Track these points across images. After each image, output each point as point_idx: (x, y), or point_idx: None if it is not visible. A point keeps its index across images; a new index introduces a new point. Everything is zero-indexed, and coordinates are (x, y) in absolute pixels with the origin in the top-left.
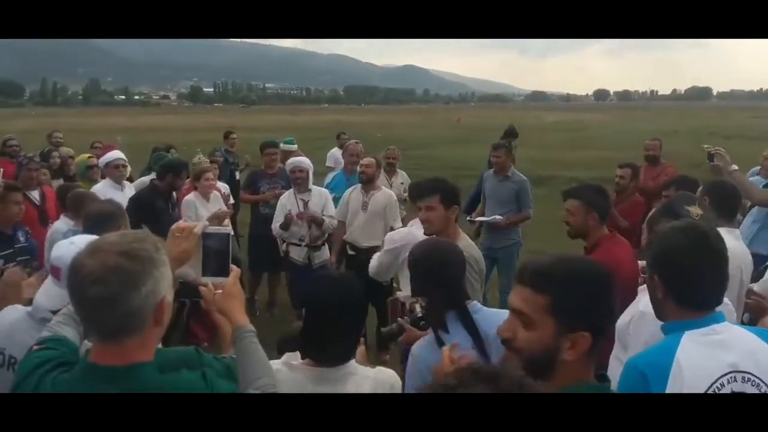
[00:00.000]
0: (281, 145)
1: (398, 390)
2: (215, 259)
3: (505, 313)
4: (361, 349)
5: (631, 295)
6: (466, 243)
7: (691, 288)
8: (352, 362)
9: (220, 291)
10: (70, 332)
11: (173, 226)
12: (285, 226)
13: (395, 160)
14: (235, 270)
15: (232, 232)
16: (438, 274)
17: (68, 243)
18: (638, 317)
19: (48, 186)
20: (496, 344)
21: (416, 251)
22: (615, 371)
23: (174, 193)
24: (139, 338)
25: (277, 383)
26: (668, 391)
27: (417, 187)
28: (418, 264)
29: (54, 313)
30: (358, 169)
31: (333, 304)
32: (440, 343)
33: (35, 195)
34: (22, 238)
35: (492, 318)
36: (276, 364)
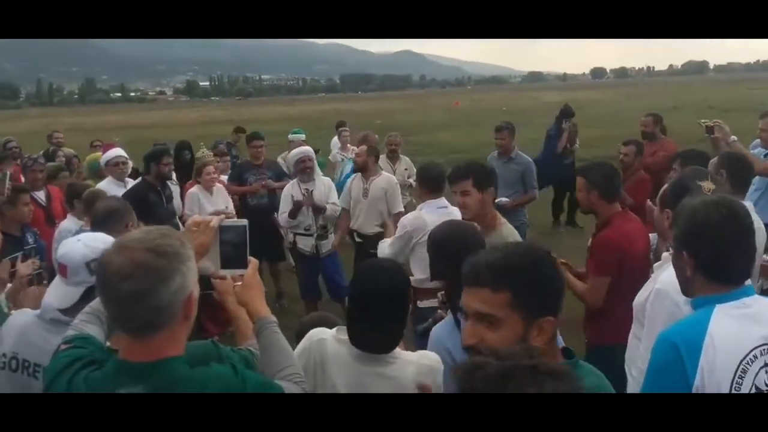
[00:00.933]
0: (289, 136)
1: (439, 374)
2: (233, 251)
3: None
4: None
5: (645, 272)
6: (507, 230)
7: (723, 263)
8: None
9: (240, 283)
10: (96, 330)
11: (189, 221)
12: (293, 213)
13: (397, 146)
14: (253, 261)
15: (247, 223)
16: (457, 257)
17: (74, 240)
18: (655, 295)
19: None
20: None
21: (436, 233)
22: (633, 350)
23: (168, 185)
24: (168, 333)
25: (323, 354)
26: (701, 363)
27: (451, 173)
28: (438, 246)
29: (63, 312)
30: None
31: (380, 294)
32: (459, 325)
33: (41, 195)
34: (31, 240)
35: None
36: (324, 333)
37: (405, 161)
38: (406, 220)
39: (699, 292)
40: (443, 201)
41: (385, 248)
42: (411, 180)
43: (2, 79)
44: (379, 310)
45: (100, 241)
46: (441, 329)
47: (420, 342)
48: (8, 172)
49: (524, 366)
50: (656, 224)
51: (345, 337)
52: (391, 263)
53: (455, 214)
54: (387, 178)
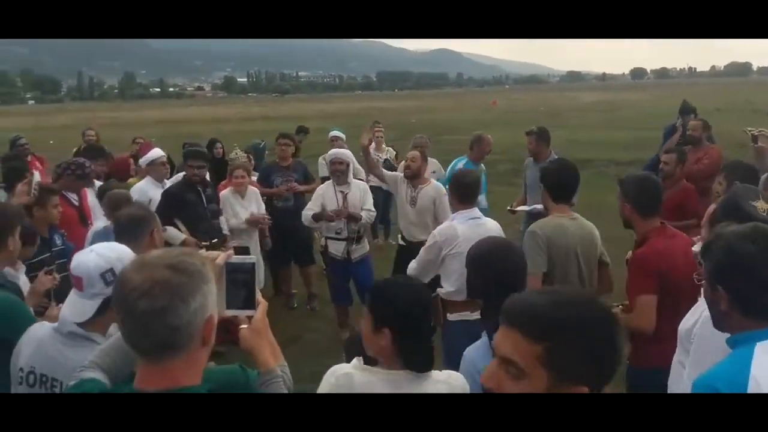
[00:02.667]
0: (331, 133)
1: (467, 392)
2: (240, 291)
3: None
4: None
5: (690, 292)
6: (435, 187)
7: (760, 299)
8: None
9: (246, 326)
10: (99, 375)
11: None
12: (317, 217)
13: (425, 148)
14: (262, 303)
15: (255, 260)
16: (495, 276)
17: (87, 251)
18: (705, 321)
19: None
20: None
21: (475, 250)
22: (676, 376)
23: (208, 185)
24: (185, 358)
25: (350, 388)
26: None
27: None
28: (476, 264)
29: (80, 325)
30: (402, 163)
31: (418, 313)
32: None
33: (73, 195)
34: (58, 241)
35: None
36: (346, 367)
37: (433, 164)
38: (437, 230)
39: (735, 329)
40: (476, 211)
41: (411, 264)
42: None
43: (44, 72)
44: (420, 329)
45: (113, 250)
46: (475, 351)
47: (449, 360)
48: (36, 173)
49: None
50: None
51: (366, 366)
52: (408, 280)
53: (488, 225)
54: (436, 186)
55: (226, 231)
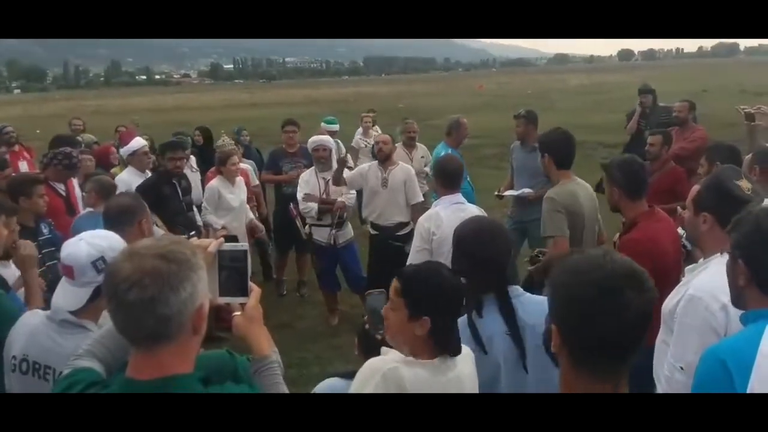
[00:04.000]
0: (322, 125)
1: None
2: (233, 278)
3: (540, 301)
4: None
5: (674, 274)
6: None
7: None
8: None
9: (239, 313)
10: (94, 364)
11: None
12: (322, 213)
13: (414, 133)
14: (255, 290)
15: (247, 247)
16: (480, 255)
17: (77, 240)
18: (688, 301)
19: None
20: (532, 333)
21: (461, 230)
22: (661, 355)
23: (186, 176)
24: (177, 346)
25: (399, 384)
26: (751, 381)
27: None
28: (461, 243)
29: (73, 313)
30: (375, 146)
31: (452, 295)
32: (471, 326)
33: (60, 185)
34: (45, 231)
35: (530, 305)
36: (388, 361)
37: (421, 149)
38: (422, 217)
39: (751, 305)
40: (459, 197)
41: (414, 254)
42: (427, 168)
43: (31, 61)
44: (455, 310)
45: (103, 238)
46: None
47: None
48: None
49: None
50: (689, 228)
51: (408, 356)
52: (432, 263)
53: (471, 210)
54: (405, 168)
55: (200, 223)
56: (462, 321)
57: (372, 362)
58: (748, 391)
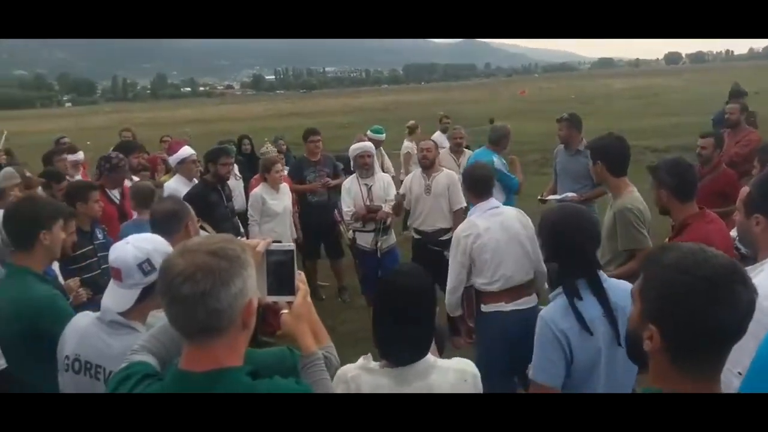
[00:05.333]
0: (368, 133)
1: (479, 379)
2: (280, 276)
3: (627, 285)
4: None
5: None
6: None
7: None
8: (429, 356)
9: (286, 311)
10: (149, 358)
11: None
12: (363, 220)
13: (462, 139)
14: (302, 289)
15: (294, 247)
16: (572, 240)
17: (123, 243)
18: None
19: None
20: (622, 314)
21: (551, 217)
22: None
23: (227, 184)
24: (227, 340)
25: (359, 391)
26: None
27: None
28: (553, 230)
29: (122, 314)
30: (419, 154)
31: (402, 299)
32: (574, 309)
33: (115, 193)
34: (100, 236)
35: (617, 288)
36: (353, 369)
37: (469, 155)
38: (458, 230)
39: None
40: (493, 202)
41: (453, 265)
42: None
43: (80, 75)
44: (404, 317)
45: (148, 241)
46: (554, 311)
47: (482, 350)
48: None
49: None
50: (741, 231)
51: (373, 364)
52: (410, 267)
53: (506, 213)
54: (449, 174)
55: (242, 230)
56: (563, 305)
57: (343, 369)
58: None
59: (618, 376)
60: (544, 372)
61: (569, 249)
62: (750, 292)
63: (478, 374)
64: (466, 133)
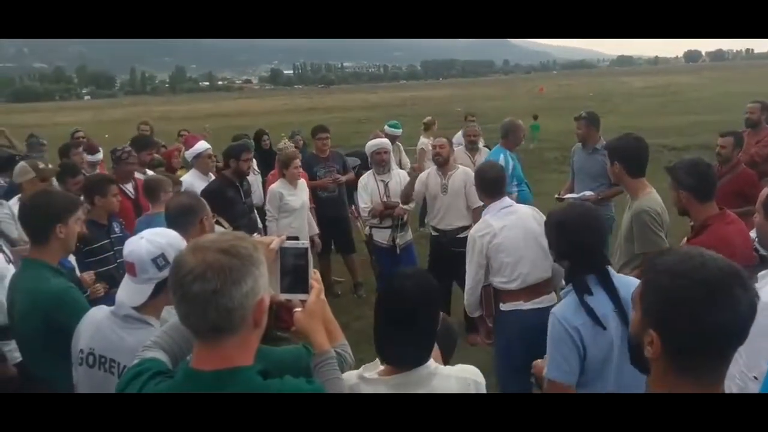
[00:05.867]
0: (386, 128)
1: (482, 386)
2: (294, 274)
3: (635, 281)
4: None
5: None
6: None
7: None
8: (431, 362)
9: (300, 309)
10: (160, 355)
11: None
12: (381, 216)
13: (476, 137)
14: (316, 287)
15: (308, 245)
16: (580, 238)
17: (138, 238)
18: (762, 308)
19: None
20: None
21: (559, 215)
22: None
23: (246, 179)
24: (238, 339)
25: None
26: None
27: None
28: (562, 228)
29: (136, 309)
30: (432, 151)
31: (405, 302)
32: (585, 305)
33: (129, 187)
34: (117, 229)
35: (626, 284)
36: (353, 378)
37: (485, 152)
38: (472, 230)
39: None
40: (506, 200)
41: (470, 266)
42: None
43: (99, 68)
44: (407, 319)
45: (163, 236)
46: (565, 308)
47: (501, 349)
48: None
49: None
50: (761, 233)
51: (370, 374)
52: (412, 270)
53: (521, 211)
54: (465, 171)
55: (260, 225)
56: (575, 301)
57: (343, 377)
58: None
59: (628, 371)
60: (558, 369)
61: (577, 246)
62: (750, 295)
63: (482, 382)
64: (482, 130)
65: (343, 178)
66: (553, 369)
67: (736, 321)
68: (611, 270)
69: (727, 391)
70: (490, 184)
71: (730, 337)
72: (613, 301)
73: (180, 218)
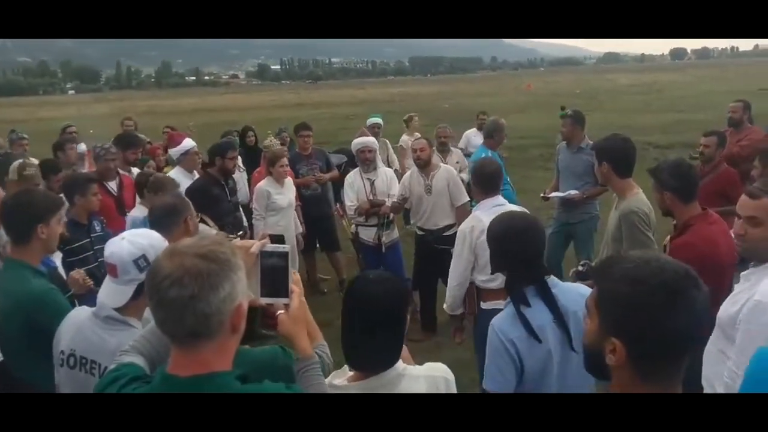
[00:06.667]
0: (369, 120)
1: (452, 384)
2: (274, 278)
3: (582, 288)
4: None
5: (726, 279)
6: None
7: None
8: (400, 363)
9: (282, 312)
10: (138, 359)
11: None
12: (366, 215)
13: (447, 138)
14: (296, 291)
15: (289, 249)
16: (517, 250)
17: (119, 239)
18: (754, 307)
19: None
20: (574, 318)
21: (495, 227)
22: (715, 365)
23: (232, 177)
24: (215, 345)
25: None
26: None
27: None
28: (497, 240)
29: (117, 310)
30: (413, 154)
31: (371, 305)
32: (522, 317)
33: (112, 185)
34: (98, 228)
35: (569, 293)
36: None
37: (456, 154)
38: (462, 225)
39: None
40: (499, 199)
41: (456, 259)
42: (462, 175)
43: (84, 63)
44: (372, 323)
45: (144, 237)
46: (503, 321)
47: (481, 347)
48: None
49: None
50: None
51: (340, 381)
52: (378, 274)
53: (513, 210)
54: (447, 170)
55: (245, 223)
56: (511, 313)
57: None
58: None
59: (571, 381)
60: (493, 380)
61: (514, 257)
62: (703, 294)
63: (452, 378)
64: (451, 131)
65: (326, 176)
66: (489, 380)
67: (693, 323)
68: (553, 279)
69: (707, 386)
70: (488, 179)
71: (689, 340)
72: (552, 311)
73: (164, 218)
